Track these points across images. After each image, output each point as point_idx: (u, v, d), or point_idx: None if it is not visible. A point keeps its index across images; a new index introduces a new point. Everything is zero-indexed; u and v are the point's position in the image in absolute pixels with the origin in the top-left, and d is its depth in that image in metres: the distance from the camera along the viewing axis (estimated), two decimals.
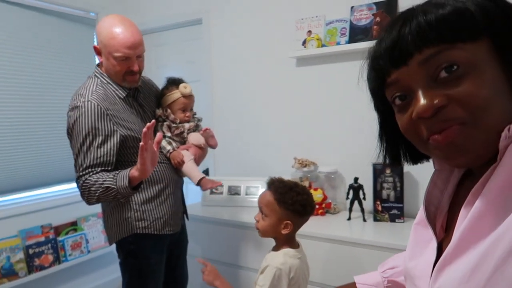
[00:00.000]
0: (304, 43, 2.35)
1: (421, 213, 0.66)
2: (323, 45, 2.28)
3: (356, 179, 2.04)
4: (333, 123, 2.34)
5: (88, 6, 3.01)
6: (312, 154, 2.36)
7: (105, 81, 1.58)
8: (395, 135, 0.63)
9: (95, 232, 2.97)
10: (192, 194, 2.69)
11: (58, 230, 2.77)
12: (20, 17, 2.61)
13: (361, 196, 2.02)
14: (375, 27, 2.13)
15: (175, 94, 1.78)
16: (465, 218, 0.52)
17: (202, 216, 2.33)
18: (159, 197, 1.70)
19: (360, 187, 2.03)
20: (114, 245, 2.93)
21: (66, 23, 2.89)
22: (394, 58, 0.54)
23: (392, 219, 1.98)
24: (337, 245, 1.83)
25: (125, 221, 1.63)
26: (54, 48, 2.81)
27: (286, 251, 1.36)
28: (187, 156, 1.77)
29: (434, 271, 0.56)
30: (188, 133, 1.83)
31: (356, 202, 2.04)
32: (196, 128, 1.88)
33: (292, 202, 1.34)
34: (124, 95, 1.61)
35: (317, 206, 2.15)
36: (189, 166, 1.76)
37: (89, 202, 1.53)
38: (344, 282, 0.96)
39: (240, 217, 2.20)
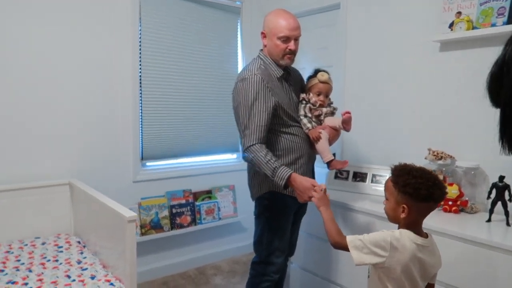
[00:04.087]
0: (451, 25, 2.16)
1: None
2: (474, 28, 2.06)
3: (501, 178, 1.82)
4: (478, 114, 2.11)
5: None
6: (449, 147, 2.18)
7: (267, 62, 1.94)
8: None
9: (226, 202, 3.27)
10: (317, 176, 2.74)
11: (196, 195, 3.14)
12: (177, 8, 2.99)
13: (507, 197, 1.80)
14: None
15: (314, 80, 2.04)
16: None
17: None
18: (295, 164, 1.94)
19: (506, 187, 1.80)
20: (240, 216, 3.25)
21: (215, 12, 3.19)
22: None
23: None
24: (471, 247, 1.67)
25: (265, 180, 1.89)
26: (206, 33, 3.16)
27: (405, 231, 1.33)
28: (324, 134, 1.96)
29: None
30: (325, 117, 2.04)
31: (499, 204, 1.82)
32: (331, 115, 2.07)
33: (404, 184, 1.31)
34: (279, 75, 1.94)
35: (450, 203, 2.00)
36: (323, 144, 1.95)
37: (246, 160, 1.86)
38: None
39: (362, 204, 2.18)
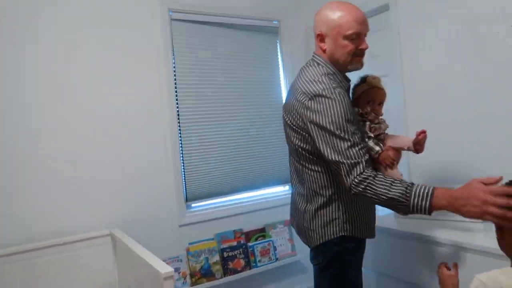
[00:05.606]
0: None
1: None
2: None
3: None
4: None
5: (271, 15, 3.07)
6: None
7: (330, 71, 1.52)
8: None
9: (282, 240, 2.94)
10: None
11: (248, 235, 2.85)
12: (213, 34, 2.83)
13: None
14: None
15: (362, 87, 1.67)
16: None
17: (393, 228, 2.02)
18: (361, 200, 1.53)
19: None
20: (299, 255, 2.89)
21: (251, 35, 3.01)
22: None
23: None
24: None
25: (332, 222, 1.52)
26: (245, 58, 2.96)
27: (507, 268, 1.07)
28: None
29: None
30: (384, 136, 1.67)
31: None
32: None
33: None
34: (346, 87, 1.58)
35: None
36: (395, 172, 1.58)
37: (358, 193, 1.36)
38: None
39: (439, 233, 1.81)
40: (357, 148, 1.36)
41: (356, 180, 1.33)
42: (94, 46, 2.37)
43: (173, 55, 2.64)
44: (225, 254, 2.68)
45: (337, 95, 1.40)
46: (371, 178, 1.32)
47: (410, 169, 2.45)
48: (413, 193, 1.27)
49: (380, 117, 1.70)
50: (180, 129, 2.66)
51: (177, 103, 2.65)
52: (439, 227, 1.91)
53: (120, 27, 2.46)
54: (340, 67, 1.54)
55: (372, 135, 1.61)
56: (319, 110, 1.39)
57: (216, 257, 2.65)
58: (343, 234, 1.50)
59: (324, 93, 1.40)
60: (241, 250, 2.74)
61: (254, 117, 2.97)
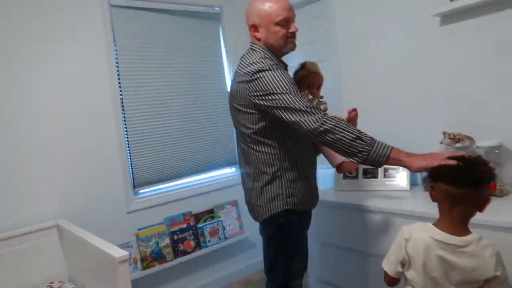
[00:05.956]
0: None
1: None
2: None
3: None
4: (493, 87, 1.92)
5: (213, 1, 3.08)
6: (466, 127, 1.98)
7: (267, 56, 1.63)
8: None
9: (230, 219, 3.05)
10: (321, 179, 2.54)
11: (197, 217, 2.92)
12: (155, 20, 2.81)
13: None
14: None
15: (302, 72, 1.82)
16: None
17: (334, 201, 2.19)
18: (306, 175, 1.70)
19: None
20: (247, 232, 3.02)
21: (193, 21, 3.01)
22: None
23: None
24: (505, 234, 1.46)
25: (276, 197, 1.65)
26: (187, 44, 2.96)
27: (424, 223, 1.32)
28: None
29: None
30: None
31: None
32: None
33: None
34: (283, 68, 1.67)
35: None
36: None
37: (328, 134, 1.43)
38: None
39: (377, 202, 1.99)
40: (311, 104, 1.47)
41: (323, 119, 1.42)
42: (34, 36, 2.26)
43: (114, 42, 2.59)
44: (175, 237, 2.73)
45: (276, 68, 1.53)
46: (336, 119, 1.43)
47: None
48: (376, 141, 1.41)
49: (320, 100, 1.83)
50: (124, 116, 2.63)
51: (120, 90, 2.61)
52: (372, 197, 2.10)
53: (59, 13, 2.35)
54: (275, 51, 1.66)
55: None
56: (264, 83, 1.50)
57: (167, 240, 2.70)
58: (286, 207, 1.63)
59: (264, 67, 1.52)
60: (191, 232, 2.81)
61: (199, 102, 3.00)
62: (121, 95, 2.61)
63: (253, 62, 1.57)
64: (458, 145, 1.90)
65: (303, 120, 1.44)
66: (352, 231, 2.09)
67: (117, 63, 2.60)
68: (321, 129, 1.42)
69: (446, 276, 1.21)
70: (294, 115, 1.46)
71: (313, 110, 1.45)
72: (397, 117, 2.36)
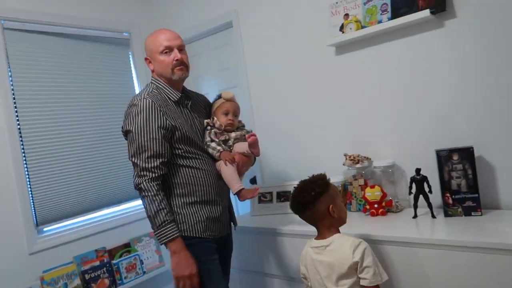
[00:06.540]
0: (341, 28, 2.15)
1: None
2: (363, 27, 2.06)
3: (418, 171, 1.78)
4: (384, 111, 2.09)
5: (121, 26, 3.03)
6: (364, 148, 2.13)
7: (160, 86, 1.73)
8: None
9: (149, 252, 2.92)
10: (245, 204, 2.55)
11: (112, 253, 2.75)
12: (59, 46, 2.68)
13: (426, 189, 1.76)
14: None
15: (219, 101, 1.87)
16: None
17: (249, 226, 2.19)
18: (200, 202, 1.70)
19: (424, 179, 1.76)
20: (167, 264, 2.91)
21: (101, 47, 2.92)
22: None
23: (467, 212, 1.69)
24: (404, 248, 1.57)
25: (172, 222, 1.63)
26: (94, 71, 2.86)
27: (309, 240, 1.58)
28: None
29: None
30: (234, 142, 1.83)
31: (421, 197, 1.77)
32: (243, 138, 1.86)
33: None
34: (176, 98, 1.73)
35: (376, 206, 1.92)
36: (228, 173, 1.73)
37: (139, 194, 1.63)
38: None
39: (289, 226, 2.02)
40: (145, 155, 1.59)
41: (140, 182, 1.58)
42: None
43: (9, 67, 2.41)
44: (87, 276, 2.54)
45: (146, 109, 1.61)
46: (152, 190, 1.57)
47: (262, 168, 2.70)
48: (165, 226, 1.56)
49: (240, 126, 1.90)
50: (23, 148, 2.43)
51: (18, 121, 2.42)
52: (286, 220, 2.13)
53: None
54: (167, 80, 1.73)
55: (215, 139, 1.77)
56: (129, 119, 1.64)
57: (77, 281, 2.50)
58: (179, 233, 1.61)
59: (135, 103, 1.63)
60: (104, 269, 2.63)
61: (108, 129, 2.88)
62: (18, 124, 2.43)
63: (135, 96, 1.69)
64: (358, 165, 2.04)
65: (134, 169, 1.62)
66: (267, 255, 2.10)
67: (12, 90, 2.42)
68: (137, 187, 1.61)
69: (321, 274, 1.44)
70: (132, 159, 1.62)
71: (143, 168, 1.58)
72: (302, 142, 2.46)
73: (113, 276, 2.66)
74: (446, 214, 1.73)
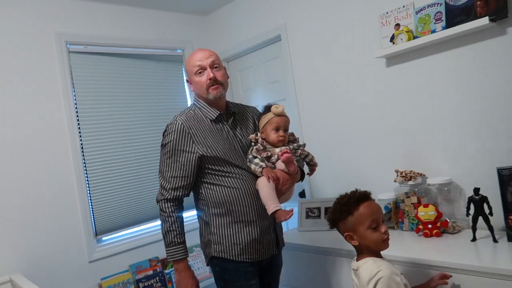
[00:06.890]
0: (392, 39, 2.06)
1: None
2: (415, 37, 1.97)
3: (476, 190, 1.64)
4: (440, 126, 1.97)
5: (175, 44, 3.15)
6: (418, 164, 2.02)
7: (198, 105, 1.76)
8: None
9: (200, 263, 2.98)
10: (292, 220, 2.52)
11: (165, 262, 2.84)
12: (117, 65, 2.84)
13: (487, 210, 1.62)
14: (478, 3, 1.75)
15: (268, 115, 1.72)
16: None
17: (295, 243, 2.16)
18: (237, 222, 1.64)
19: (483, 199, 1.63)
20: None
21: (156, 64, 3.06)
22: None
23: None
24: (460, 276, 1.46)
25: (208, 242, 1.68)
26: (150, 87, 3.00)
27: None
28: (265, 181, 1.61)
29: None
30: (277, 159, 1.69)
31: (480, 219, 1.64)
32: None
33: None
34: (214, 117, 1.72)
35: (430, 226, 1.81)
36: (265, 192, 1.60)
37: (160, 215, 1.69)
38: None
39: (337, 243, 1.95)
40: (168, 175, 1.64)
41: (161, 200, 1.63)
42: None
43: (73, 87, 2.60)
44: (141, 285, 2.65)
45: (178, 131, 1.65)
46: (166, 211, 1.62)
47: (311, 184, 2.65)
48: (175, 246, 1.61)
49: (291, 140, 1.76)
50: (85, 162, 2.60)
51: (80, 137, 2.60)
52: (335, 236, 2.08)
53: (18, 63, 2.38)
54: (205, 99, 1.74)
55: (257, 156, 1.66)
56: (163, 135, 1.72)
57: None
58: (214, 255, 1.64)
59: (172, 122, 1.69)
60: (157, 278, 2.73)
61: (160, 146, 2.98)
62: (81, 140, 2.60)
63: (175, 116, 1.74)
64: (410, 182, 1.93)
65: (160, 184, 1.68)
66: (313, 273, 2.06)
67: (76, 109, 2.60)
68: (157, 204, 1.66)
69: None
70: (159, 176, 1.69)
71: (163, 187, 1.64)
72: (352, 156, 2.39)
73: (165, 285, 2.75)
74: (510, 239, 1.58)
